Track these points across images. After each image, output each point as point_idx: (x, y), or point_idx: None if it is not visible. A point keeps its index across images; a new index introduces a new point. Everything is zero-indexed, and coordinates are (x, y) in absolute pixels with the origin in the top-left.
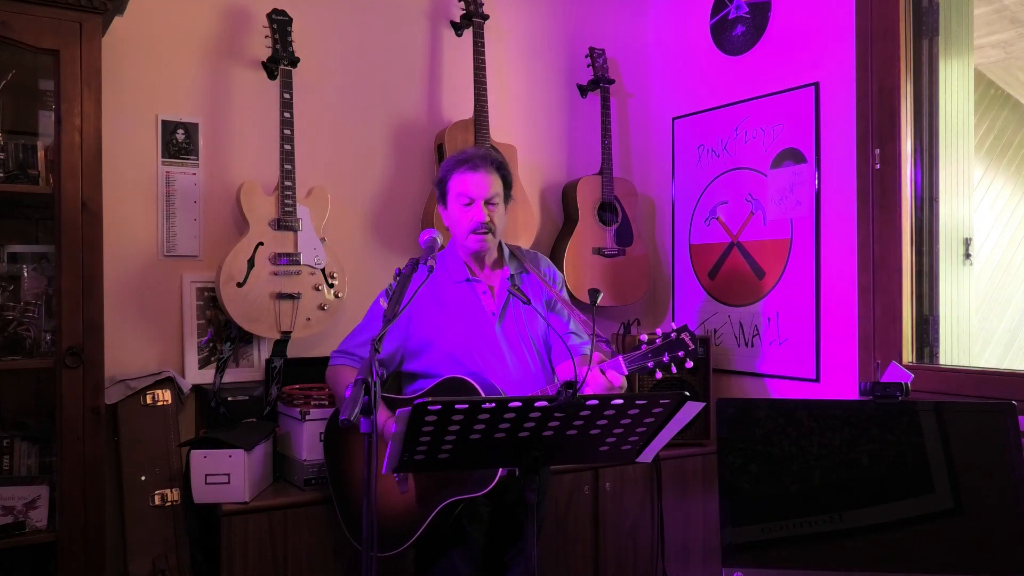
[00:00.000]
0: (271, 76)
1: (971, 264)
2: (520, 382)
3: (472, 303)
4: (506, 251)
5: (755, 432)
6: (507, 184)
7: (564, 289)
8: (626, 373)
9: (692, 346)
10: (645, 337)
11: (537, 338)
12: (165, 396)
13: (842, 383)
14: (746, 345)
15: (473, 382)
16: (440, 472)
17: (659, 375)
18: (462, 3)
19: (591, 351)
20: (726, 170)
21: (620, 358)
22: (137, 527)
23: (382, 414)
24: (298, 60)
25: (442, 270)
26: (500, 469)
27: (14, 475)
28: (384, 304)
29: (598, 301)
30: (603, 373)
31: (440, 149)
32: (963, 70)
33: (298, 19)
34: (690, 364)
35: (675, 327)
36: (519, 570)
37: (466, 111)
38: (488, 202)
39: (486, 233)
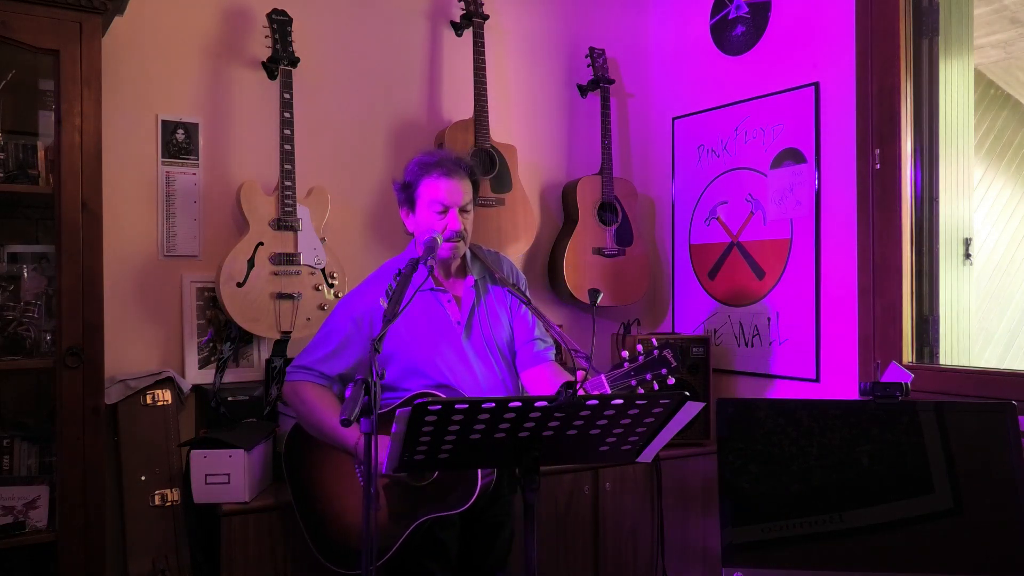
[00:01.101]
0: (271, 76)
1: (971, 264)
2: (490, 391)
3: (437, 313)
4: (468, 256)
5: (755, 432)
6: (476, 189)
7: (527, 291)
8: (609, 392)
9: (674, 363)
10: (626, 354)
11: (503, 345)
12: (165, 396)
13: (842, 383)
14: (746, 345)
15: (443, 396)
16: (416, 489)
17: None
18: (462, 3)
19: (554, 357)
20: (726, 170)
21: (603, 377)
22: (137, 527)
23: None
24: (298, 60)
25: None
26: (479, 484)
27: (14, 475)
28: (343, 317)
29: (598, 301)
30: (586, 393)
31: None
32: (963, 70)
33: (298, 19)
34: (672, 381)
35: (656, 344)
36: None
37: (466, 111)
38: (462, 209)
39: (459, 241)
